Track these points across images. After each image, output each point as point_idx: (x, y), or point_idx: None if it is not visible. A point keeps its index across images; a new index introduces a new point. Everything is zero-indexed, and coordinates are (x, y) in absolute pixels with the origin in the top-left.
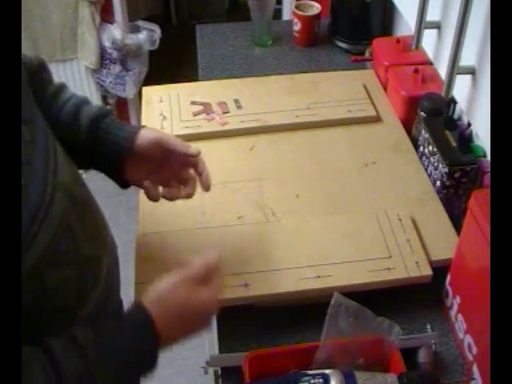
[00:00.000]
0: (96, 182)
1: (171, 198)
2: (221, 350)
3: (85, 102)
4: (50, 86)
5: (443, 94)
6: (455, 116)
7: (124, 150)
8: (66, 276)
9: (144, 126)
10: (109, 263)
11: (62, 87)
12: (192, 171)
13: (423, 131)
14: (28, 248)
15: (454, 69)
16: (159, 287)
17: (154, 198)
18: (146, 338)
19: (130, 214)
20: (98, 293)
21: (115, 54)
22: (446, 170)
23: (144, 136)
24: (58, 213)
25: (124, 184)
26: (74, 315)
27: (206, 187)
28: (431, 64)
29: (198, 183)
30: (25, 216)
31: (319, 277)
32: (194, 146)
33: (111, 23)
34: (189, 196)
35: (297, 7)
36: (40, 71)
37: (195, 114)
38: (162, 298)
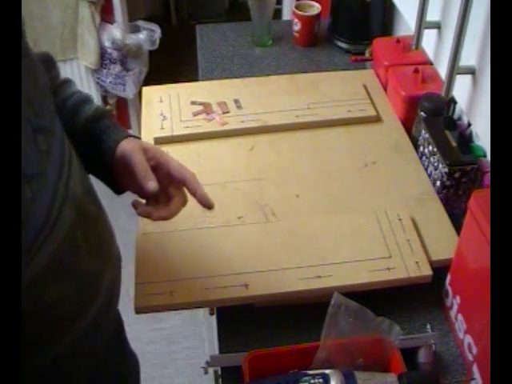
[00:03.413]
0: (96, 182)
1: (144, 217)
2: (221, 350)
3: (85, 100)
4: (55, 81)
5: (443, 94)
6: (455, 116)
7: (109, 158)
8: (65, 289)
9: (131, 136)
10: (110, 278)
11: (65, 82)
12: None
13: (423, 131)
14: (31, 261)
15: (454, 69)
16: None
17: (137, 211)
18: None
19: (130, 214)
20: (97, 307)
21: (115, 54)
22: (446, 169)
23: (120, 147)
24: (64, 226)
25: (117, 190)
26: (71, 327)
27: (206, 206)
28: (431, 64)
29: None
30: (30, 230)
31: (319, 277)
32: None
33: (111, 23)
34: (162, 219)
35: (297, 7)
36: (48, 67)
37: (195, 114)
38: None
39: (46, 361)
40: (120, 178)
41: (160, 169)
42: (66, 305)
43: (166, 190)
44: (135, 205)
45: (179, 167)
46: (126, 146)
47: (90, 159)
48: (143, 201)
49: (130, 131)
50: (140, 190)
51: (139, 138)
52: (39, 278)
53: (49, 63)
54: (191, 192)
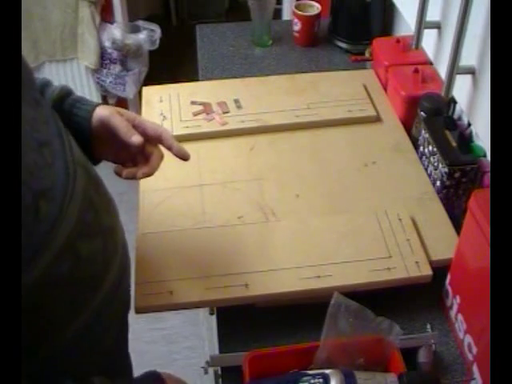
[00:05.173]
0: None
1: (131, 178)
2: (221, 350)
3: (46, 84)
4: None
5: (443, 94)
6: (455, 116)
7: (85, 130)
8: (94, 246)
9: (100, 104)
10: (121, 235)
11: None
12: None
13: (423, 131)
14: (61, 223)
15: (454, 69)
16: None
17: (120, 176)
18: None
19: (130, 214)
20: (118, 261)
21: (115, 54)
22: (446, 169)
23: (96, 115)
24: (80, 187)
25: (95, 162)
26: (100, 284)
27: (183, 157)
28: (431, 64)
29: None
30: (57, 193)
31: (319, 277)
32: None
33: (111, 23)
34: (147, 175)
35: (297, 7)
36: None
37: (195, 114)
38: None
39: (84, 319)
40: (98, 146)
41: (137, 129)
42: (96, 261)
43: (143, 150)
44: (118, 171)
45: (154, 126)
46: (101, 112)
47: None
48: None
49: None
50: (117, 155)
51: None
52: (71, 238)
53: None
54: (167, 147)
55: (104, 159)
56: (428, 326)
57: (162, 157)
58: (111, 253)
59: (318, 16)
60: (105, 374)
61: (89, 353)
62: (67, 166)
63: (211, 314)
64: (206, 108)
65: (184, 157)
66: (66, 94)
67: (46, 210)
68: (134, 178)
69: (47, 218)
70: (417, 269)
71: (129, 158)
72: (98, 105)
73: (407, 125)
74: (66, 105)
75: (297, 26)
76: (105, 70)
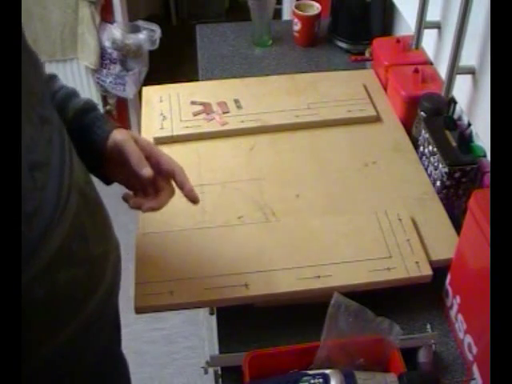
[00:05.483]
0: (96, 182)
1: (136, 208)
2: (221, 350)
3: (73, 94)
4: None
5: (443, 94)
6: (455, 116)
7: (99, 150)
8: (76, 274)
9: (119, 126)
10: (114, 259)
11: (52, 77)
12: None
13: (423, 131)
14: (43, 248)
15: (454, 69)
16: None
17: (128, 203)
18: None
19: (130, 214)
20: (104, 288)
21: (115, 54)
22: (446, 169)
23: (112, 137)
24: (71, 212)
25: (107, 182)
26: (82, 309)
27: (192, 200)
28: (431, 64)
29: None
30: (42, 218)
31: (319, 277)
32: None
33: (111, 23)
34: (151, 210)
35: (297, 7)
36: None
37: (195, 114)
38: None
39: (59, 342)
40: (111, 168)
41: (150, 159)
42: (77, 288)
43: (155, 182)
44: (126, 198)
45: (169, 160)
46: (117, 136)
47: (79, 150)
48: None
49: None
50: (128, 181)
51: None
52: (51, 264)
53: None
54: (179, 185)
55: (116, 182)
56: (428, 326)
57: (172, 194)
58: (97, 279)
59: (318, 16)
60: None
61: (69, 371)
62: (60, 190)
63: (211, 313)
64: (206, 108)
65: (194, 200)
66: (89, 108)
67: (27, 236)
68: (139, 209)
69: (26, 243)
70: (417, 269)
71: (139, 186)
72: (116, 127)
73: (407, 125)
74: (86, 119)
75: (297, 26)
76: (105, 70)
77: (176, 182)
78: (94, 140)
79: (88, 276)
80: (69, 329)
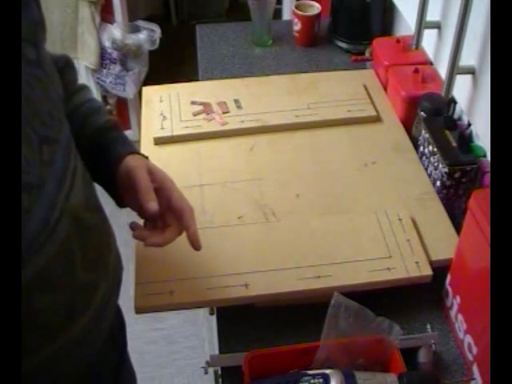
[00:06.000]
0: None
1: (140, 240)
2: (221, 350)
3: (97, 110)
4: (71, 86)
5: (443, 94)
6: (455, 116)
7: (110, 172)
8: (55, 299)
9: (139, 154)
10: (105, 289)
11: (81, 88)
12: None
13: (423, 131)
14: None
15: (454, 69)
16: None
17: (133, 233)
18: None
19: (130, 214)
20: (87, 317)
21: (115, 54)
22: (446, 169)
23: (125, 163)
24: (59, 238)
25: (120, 203)
26: (60, 335)
27: (195, 244)
28: (431, 64)
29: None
30: (22, 240)
31: (319, 277)
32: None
33: (111, 23)
34: (154, 245)
35: (297, 7)
36: (65, 72)
37: (195, 114)
38: None
39: (30, 365)
40: (122, 193)
41: (161, 193)
42: (53, 316)
43: (164, 216)
44: (133, 227)
45: (180, 198)
46: (130, 162)
47: (96, 169)
48: (141, 222)
49: (130, 131)
50: (140, 209)
51: (146, 157)
52: (27, 287)
53: (66, 67)
54: (185, 226)
55: (129, 207)
56: (428, 326)
57: (180, 232)
58: (80, 307)
59: (318, 16)
60: None
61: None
62: (49, 214)
63: (211, 314)
64: (206, 108)
65: (196, 245)
66: (109, 127)
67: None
68: (142, 241)
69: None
70: (417, 269)
71: (149, 217)
72: (132, 152)
73: (407, 125)
74: (105, 138)
75: (297, 26)
76: (105, 70)
77: (182, 222)
78: (107, 161)
79: (70, 303)
80: (42, 352)
